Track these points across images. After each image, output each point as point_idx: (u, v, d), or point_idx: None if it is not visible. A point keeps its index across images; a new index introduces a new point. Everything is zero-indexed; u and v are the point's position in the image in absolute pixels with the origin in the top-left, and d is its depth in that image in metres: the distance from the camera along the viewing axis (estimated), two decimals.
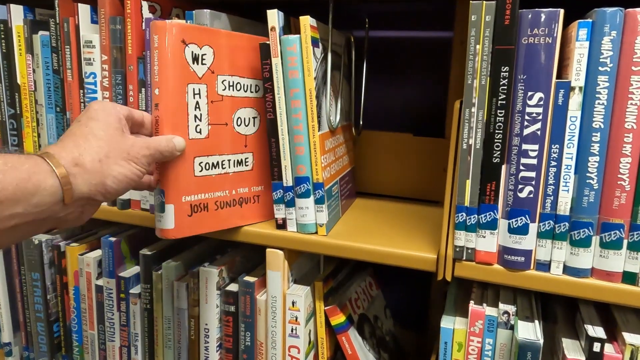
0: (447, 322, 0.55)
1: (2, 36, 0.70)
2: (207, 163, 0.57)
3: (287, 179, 0.59)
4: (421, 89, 0.79)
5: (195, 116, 0.55)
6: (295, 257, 0.64)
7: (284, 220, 0.60)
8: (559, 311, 0.58)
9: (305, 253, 0.66)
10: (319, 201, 0.58)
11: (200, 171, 0.56)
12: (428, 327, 0.82)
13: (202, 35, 0.54)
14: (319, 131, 0.57)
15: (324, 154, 0.60)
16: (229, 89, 0.59)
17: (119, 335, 0.73)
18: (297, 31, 0.62)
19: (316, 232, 0.59)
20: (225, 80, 0.58)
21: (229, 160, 0.60)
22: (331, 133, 0.64)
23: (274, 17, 0.55)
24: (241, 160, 0.61)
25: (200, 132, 0.56)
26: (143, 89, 0.63)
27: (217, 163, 0.58)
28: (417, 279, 0.86)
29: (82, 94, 0.67)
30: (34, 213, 0.38)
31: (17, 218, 0.37)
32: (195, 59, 0.54)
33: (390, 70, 0.81)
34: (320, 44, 0.60)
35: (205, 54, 0.55)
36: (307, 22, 0.55)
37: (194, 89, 0.55)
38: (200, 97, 0.55)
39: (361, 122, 0.76)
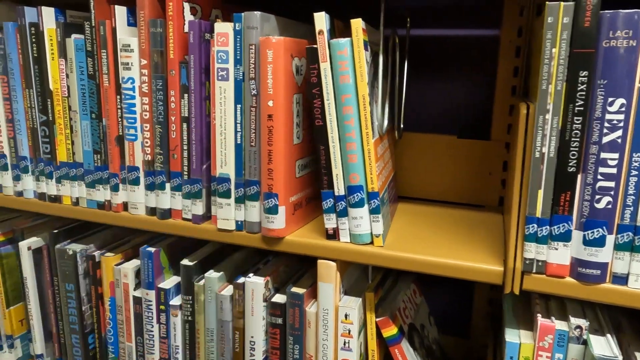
0: (512, 336, 0.53)
1: (34, 40, 0.67)
2: (302, 164, 0.61)
3: (339, 188, 0.56)
4: (465, 89, 0.76)
5: (296, 123, 0.59)
6: (345, 267, 0.62)
7: (335, 230, 0.58)
8: (624, 322, 0.56)
9: (353, 264, 0.64)
10: (374, 211, 0.56)
11: (299, 172, 0.61)
12: (471, 333, 0.80)
13: (299, 47, 0.58)
14: (372, 138, 0.55)
15: (377, 161, 0.57)
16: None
17: (159, 347, 0.71)
18: (340, 33, 0.60)
19: (371, 243, 0.57)
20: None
21: (311, 160, 0.64)
22: (380, 139, 0.62)
23: (322, 20, 0.53)
24: (315, 159, 0.66)
25: (299, 138, 0.60)
26: (185, 95, 0.60)
27: (306, 164, 0.63)
28: (460, 286, 0.84)
29: (119, 100, 0.65)
30: None
31: None
32: (297, 70, 0.57)
33: (433, 70, 0.78)
34: (369, 47, 0.57)
35: (302, 65, 0.59)
36: (358, 25, 0.52)
37: (296, 98, 0.58)
38: (299, 105, 0.59)
39: (402, 125, 0.73)
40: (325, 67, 0.53)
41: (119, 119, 0.65)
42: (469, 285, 0.81)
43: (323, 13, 0.52)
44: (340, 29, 0.61)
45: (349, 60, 0.53)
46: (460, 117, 0.77)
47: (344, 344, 0.60)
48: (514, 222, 0.49)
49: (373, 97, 0.59)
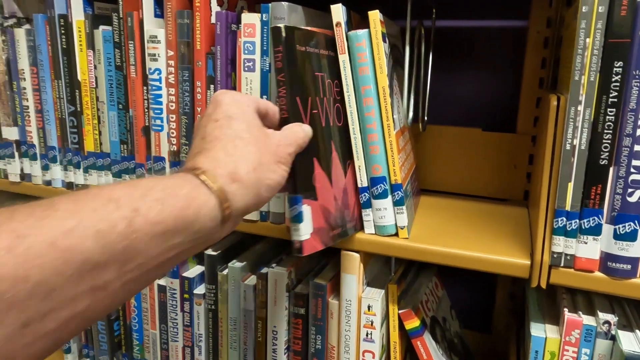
0: (538, 330, 0.52)
1: (63, 31, 0.69)
2: None
3: (362, 180, 0.56)
4: (491, 81, 0.75)
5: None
6: (368, 259, 0.62)
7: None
8: None
9: (376, 256, 0.64)
10: (398, 203, 0.56)
11: None
12: (492, 328, 0.80)
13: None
14: (394, 129, 0.55)
15: (400, 152, 0.57)
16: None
17: (182, 335, 0.72)
18: (357, 25, 0.59)
19: (396, 234, 0.57)
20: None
21: None
22: (402, 131, 0.62)
23: (339, 12, 0.53)
24: None
25: None
26: (212, 86, 0.61)
27: None
28: (481, 279, 0.83)
29: (145, 91, 0.65)
30: (193, 240, 0.34)
31: (176, 248, 0.33)
32: None
33: (459, 62, 0.77)
34: (387, 39, 0.57)
35: None
36: (376, 16, 0.52)
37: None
38: None
39: (426, 117, 0.73)
40: (344, 59, 0.53)
41: (146, 110, 0.66)
42: (491, 280, 0.80)
43: (339, 5, 0.52)
44: (356, 21, 0.60)
45: (368, 51, 0.53)
46: (486, 109, 0.77)
47: (367, 335, 0.60)
48: (542, 215, 0.49)
49: (393, 88, 0.58)
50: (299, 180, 0.48)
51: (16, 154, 0.78)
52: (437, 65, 0.78)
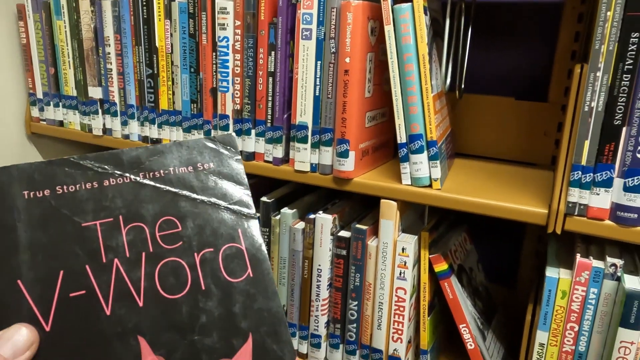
0: (552, 272, 0.60)
1: (144, 3, 0.79)
2: (370, 116, 0.69)
3: (401, 137, 0.64)
4: (526, 53, 0.81)
5: (368, 79, 0.66)
6: (405, 208, 0.70)
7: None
8: None
9: (411, 206, 0.73)
10: (433, 157, 0.63)
11: (368, 123, 0.69)
12: (517, 282, 0.87)
13: (375, 10, 0.65)
14: (431, 93, 0.62)
15: (436, 114, 0.64)
16: (382, 55, 0.69)
17: None
18: None
19: (430, 186, 0.65)
20: (382, 45, 0.68)
21: (378, 113, 0.72)
22: (439, 95, 0.69)
23: None
24: (384, 112, 0.74)
25: (369, 92, 0.67)
26: (273, 52, 0.70)
27: (376, 115, 0.71)
28: (508, 237, 0.90)
29: (214, 57, 0.75)
30: None
31: None
32: (372, 31, 0.65)
33: (496, 35, 0.83)
34: (428, 12, 0.64)
35: (376, 27, 0.66)
36: None
37: (369, 56, 0.65)
38: (372, 63, 0.66)
39: (463, 86, 0.79)
40: (389, 29, 0.61)
41: (214, 73, 0.76)
42: (518, 237, 0.87)
43: None
44: None
45: (410, 23, 0.60)
46: (520, 80, 0.82)
47: (400, 274, 0.69)
48: (561, 169, 0.56)
49: (432, 57, 0.65)
50: None
51: (100, 110, 0.90)
52: (476, 38, 0.84)
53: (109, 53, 0.86)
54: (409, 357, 0.74)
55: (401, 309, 0.70)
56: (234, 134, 0.69)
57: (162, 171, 0.31)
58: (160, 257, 0.30)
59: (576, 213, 0.56)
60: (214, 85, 0.76)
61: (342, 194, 0.82)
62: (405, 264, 0.68)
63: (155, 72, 0.82)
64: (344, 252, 0.73)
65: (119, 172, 0.30)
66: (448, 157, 0.74)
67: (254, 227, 0.33)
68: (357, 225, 0.71)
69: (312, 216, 0.74)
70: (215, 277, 0.30)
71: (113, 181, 0.30)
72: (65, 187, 0.29)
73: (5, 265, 0.27)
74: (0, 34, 0.96)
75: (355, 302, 0.73)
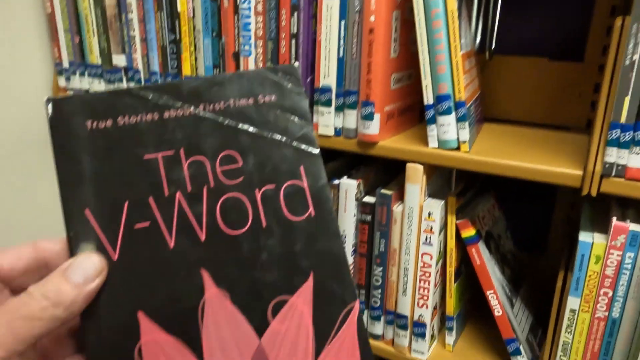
0: (585, 237, 0.58)
1: None
2: (396, 78, 0.67)
3: (428, 98, 0.62)
4: (561, 11, 0.77)
5: (394, 38, 0.64)
6: (431, 173, 0.68)
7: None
8: None
9: (438, 171, 0.71)
10: (461, 119, 0.61)
11: (393, 85, 0.67)
12: (548, 251, 0.85)
13: None
14: (460, 51, 0.60)
15: (465, 74, 0.62)
16: (408, 13, 0.66)
17: None
18: None
19: (458, 148, 0.63)
20: (408, 4, 0.65)
21: (404, 75, 0.70)
22: (467, 55, 0.66)
23: None
24: (410, 74, 0.71)
25: (395, 52, 0.65)
26: (295, 13, 0.68)
27: (402, 77, 0.69)
28: (539, 204, 0.87)
29: (236, 19, 0.74)
30: None
31: None
32: None
33: None
34: None
35: None
36: None
37: (395, 14, 0.63)
38: (397, 21, 0.64)
39: (493, 46, 0.76)
40: None
41: (236, 37, 0.75)
42: (549, 204, 0.84)
43: None
44: None
45: None
46: (554, 39, 0.78)
47: (426, 239, 0.68)
48: (598, 128, 0.53)
49: (462, 14, 0.62)
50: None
51: (124, 78, 0.90)
52: None
53: (132, 19, 0.85)
54: (434, 323, 0.74)
55: (427, 274, 0.69)
56: (297, 63, 0.68)
57: (222, 103, 0.30)
58: (221, 192, 0.29)
59: (613, 174, 0.53)
60: (236, 50, 0.75)
61: (367, 161, 0.80)
62: (431, 229, 0.67)
63: (178, 37, 0.81)
64: (368, 218, 0.72)
65: (179, 104, 0.30)
66: (476, 121, 0.72)
67: (318, 164, 0.32)
68: (382, 191, 0.70)
69: (336, 182, 0.73)
70: (276, 215, 0.30)
71: (173, 113, 0.29)
72: (127, 117, 0.28)
73: (73, 194, 0.27)
74: (26, 4, 0.96)
75: (380, 268, 0.73)
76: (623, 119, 0.51)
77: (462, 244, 0.69)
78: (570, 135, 0.72)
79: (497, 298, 0.68)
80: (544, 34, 0.79)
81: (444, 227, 0.70)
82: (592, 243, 0.57)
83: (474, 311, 0.82)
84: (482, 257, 0.68)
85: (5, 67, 0.95)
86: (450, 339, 0.74)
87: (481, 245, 0.69)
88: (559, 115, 0.77)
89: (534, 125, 0.78)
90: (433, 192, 0.71)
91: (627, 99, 0.50)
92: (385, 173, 0.81)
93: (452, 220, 0.68)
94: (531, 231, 0.88)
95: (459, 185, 0.75)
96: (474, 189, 0.78)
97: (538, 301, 0.81)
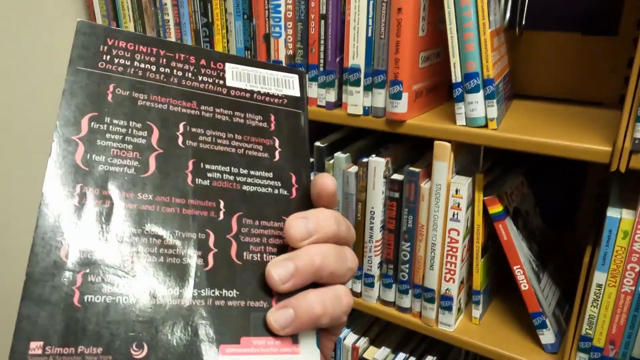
0: (614, 213, 0.58)
1: None
2: (424, 57, 0.68)
3: (456, 76, 0.63)
4: None
5: (422, 17, 0.65)
6: (459, 150, 0.69)
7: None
8: None
9: (466, 149, 0.72)
10: (489, 96, 0.62)
11: (422, 64, 0.68)
12: (576, 227, 0.85)
13: None
14: (489, 28, 0.60)
15: (493, 51, 0.62)
16: None
17: None
18: None
19: (485, 126, 0.63)
20: None
21: (432, 54, 0.70)
22: (497, 31, 0.66)
23: None
24: (438, 52, 0.72)
25: (424, 31, 0.66)
26: None
27: (430, 56, 0.70)
28: (568, 181, 0.87)
29: (266, 2, 0.76)
30: None
31: None
32: None
33: None
34: None
35: None
36: None
37: None
38: (426, 0, 0.64)
39: (524, 22, 0.75)
40: None
41: (267, 19, 0.76)
42: (578, 181, 0.84)
43: None
44: None
45: None
46: (587, 12, 0.77)
47: (453, 215, 0.69)
48: (629, 102, 0.53)
49: None
50: None
51: None
52: None
53: (166, 4, 0.88)
54: (461, 296, 0.75)
55: (454, 249, 0.70)
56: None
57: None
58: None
59: None
60: (267, 31, 0.77)
61: (395, 139, 0.82)
62: (458, 206, 0.68)
63: (210, 20, 0.83)
64: (396, 195, 0.74)
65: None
66: (506, 98, 0.72)
67: None
68: (411, 168, 0.72)
69: (365, 159, 0.75)
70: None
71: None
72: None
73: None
74: None
75: (408, 244, 0.75)
76: None
77: (490, 220, 0.70)
78: (602, 112, 0.71)
79: (524, 273, 0.69)
80: (576, 8, 0.78)
81: (472, 203, 0.71)
82: (620, 219, 0.57)
83: (501, 286, 0.84)
84: (509, 233, 0.69)
85: (45, 55, 1.00)
86: (477, 312, 0.76)
87: (508, 222, 0.70)
88: (592, 91, 0.76)
89: (566, 102, 0.77)
90: (461, 169, 0.72)
91: None
92: (413, 151, 0.82)
93: (479, 197, 0.69)
94: (560, 208, 0.88)
95: (487, 162, 0.75)
96: (503, 165, 0.79)
97: (566, 276, 0.82)
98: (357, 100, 0.71)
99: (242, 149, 0.30)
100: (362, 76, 0.69)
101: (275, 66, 0.33)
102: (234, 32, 0.81)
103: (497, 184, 0.74)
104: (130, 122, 0.27)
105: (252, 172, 0.30)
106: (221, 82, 0.31)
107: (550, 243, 0.84)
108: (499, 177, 0.76)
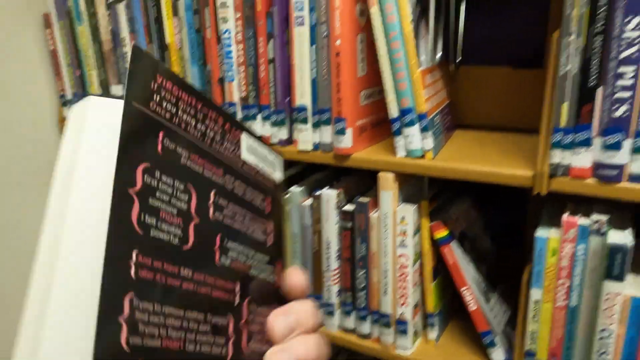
0: (542, 232, 0.62)
1: (154, 3, 0.85)
2: (366, 94, 0.73)
3: (393, 112, 0.68)
4: (522, 21, 0.82)
5: (361, 58, 0.70)
6: (403, 180, 0.74)
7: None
8: None
9: (411, 178, 0.76)
10: (424, 129, 0.67)
11: (363, 101, 0.73)
12: (523, 245, 0.89)
13: None
14: (418, 68, 0.65)
15: (425, 88, 0.68)
16: (373, 35, 0.71)
17: None
18: None
19: (423, 157, 0.68)
20: (378, 26, 0.69)
21: (374, 91, 0.75)
22: (430, 69, 0.72)
23: None
24: (380, 90, 0.76)
25: (363, 71, 0.71)
26: (271, 40, 0.74)
27: (372, 93, 0.75)
28: (515, 203, 0.92)
29: (219, 48, 0.80)
30: None
31: None
32: (360, 12, 0.68)
33: (490, 5, 0.84)
34: None
35: (364, 8, 0.69)
36: None
37: (360, 37, 0.69)
38: (363, 43, 0.70)
39: (459, 58, 0.81)
40: (374, 10, 0.64)
41: (220, 64, 0.81)
42: (523, 204, 0.89)
43: None
44: None
45: (393, 2, 0.63)
46: (516, 48, 0.83)
47: (401, 242, 0.73)
48: (544, 132, 0.58)
49: (420, 33, 0.68)
50: None
51: None
52: (473, 9, 0.85)
53: (126, 52, 0.92)
54: (416, 319, 0.78)
55: (404, 275, 0.74)
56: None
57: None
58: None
59: (559, 173, 0.58)
60: (221, 76, 0.82)
61: (349, 171, 0.86)
62: (405, 233, 0.72)
63: (169, 66, 0.88)
64: (349, 225, 0.78)
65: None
66: (445, 129, 0.77)
67: None
68: (360, 199, 0.76)
69: (318, 192, 0.79)
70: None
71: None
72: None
73: None
74: (31, 42, 1.04)
75: (363, 271, 0.78)
76: (563, 124, 0.56)
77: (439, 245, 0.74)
78: (533, 138, 0.77)
79: (472, 294, 0.73)
80: (507, 45, 0.84)
81: (419, 230, 0.75)
82: (548, 238, 0.61)
83: (459, 307, 0.87)
84: (455, 256, 0.73)
85: (14, 101, 1.03)
86: (432, 334, 0.79)
87: (454, 245, 0.74)
88: (525, 119, 0.82)
89: (504, 130, 0.83)
90: (407, 197, 0.76)
91: (565, 105, 0.56)
92: (367, 181, 0.87)
93: (425, 223, 0.74)
94: (508, 229, 0.92)
95: (433, 189, 0.80)
96: (450, 191, 0.83)
97: (516, 295, 0.85)
98: (306, 137, 0.75)
99: (251, 230, 0.28)
100: (309, 114, 0.74)
101: (263, 142, 0.32)
102: (191, 77, 0.85)
103: (443, 210, 0.78)
104: (175, 182, 0.24)
105: (255, 255, 0.28)
106: (238, 152, 0.29)
107: (501, 263, 0.88)
108: (446, 203, 0.80)
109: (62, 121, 1.09)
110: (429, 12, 0.74)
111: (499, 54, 0.83)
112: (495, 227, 0.92)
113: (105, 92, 0.99)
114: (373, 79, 0.75)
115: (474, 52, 0.86)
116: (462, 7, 0.79)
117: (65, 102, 1.08)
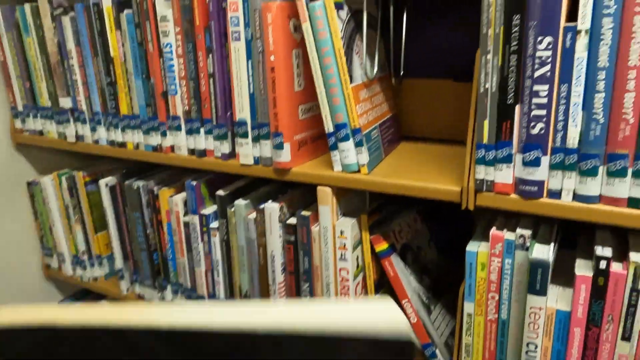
0: (472, 247, 0.63)
1: (97, 17, 0.84)
2: (305, 109, 0.73)
3: (329, 126, 0.68)
4: (461, 34, 0.83)
5: (297, 74, 0.70)
6: (342, 194, 0.74)
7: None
8: (582, 240, 0.64)
9: (352, 191, 0.76)
10: (358, 144, 0.67)
11: (302, 115, 0.73)
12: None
13: (294, 9, 0.68)
14: (351, 83, 0.66)
15: (359, 103, 0.68)
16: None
17: (204, 261, 0.89)
18: None
19: (359, 171, 0.68)
20: (310, 42, 0.69)
21: (314, 105, 0.76)
22: (366, 84, 0.72)
23: None
24: (318, 104, 0.76)
25: (300, 86, 0.71)
26: (210, 55, 0.74)
27: (312, 107, 0.75)
28: (462, 216, 0.93)
29: (161, 62, 0.80)
30: None
31: None
32: (295, 28, 0.68)
33: (430, 18, 0.85)
34: (344, 6, 0.67)
35: (298, 24, 0.69)
36: None
37: (295, 52, 0.69)
38: (299, 58, 0.70)
39: (402, 72, 0.82)
40: (306, 26, 0.64)
41: (163, 78, 0.81)
42: (469, 217, 0.90)
43: None
44: None
45: (324, 19, 0.63)
46: (458, 61, 0.84)
47: (341, 256, 0.73)
48: (468, 148, 0.59)
49: (355, 49, 0.69)
50: None
51: (71, 119, 0.96)
52: (414, 22, 0.86)
53: (73, 65, 0.91)
54: None
55: (346, 288, 0.74)
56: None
57: None
58: None
59: (484, 189, 0.59)
60: (164, 89, 0.81)
61: (295, 184, 0.86)
62: (344, 246, 0.72)
63: (114, 80, 0.87)
64: (292, 238, 0.78)
65: None
66: (387, 142, 0.77)
67: None
68: (302, 213, 0.76)
69: (261, 206, 0.79)
70: None
71: None
72: None
73: None
74: None
75: (307, 284, 0.78)
76: (485, 140, 0.57)
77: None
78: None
79: (412, 306, 0.73)
80: (448, 58, 0.85)
81: (360, 243, 0.75)
82: (477, 252, 0.62)
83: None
84: (395, 268, 0.73)
85: None
86: None
87: (394, 258, 0.74)
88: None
89: (447, 142, 0.84)
90: (348, 211, 0.76)
91: (486, 122, 0.56)
92: (312, 196, 0.87)
93: (366, 236, 0.74)
94: (455, 240, 0.93)
95: (375, 202, 0.80)
96: (394, 205, 0.84)
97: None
98: (247, 151, 0.75)
99: None
100: (249, 129, 0.74)
101: None
102: (135, 90, 0.85)
103: (384, 223, 0.78)
104: None
105: None
106: None
107: (448, 275, 0.88)
108: (388, 216, 0.81)
109: (14, 132, 1.08)
110: (373, 27, 0.74)
111: (441, 66, 0.84)
112: (443, 240, 0.93)
113: (55, 104, 0.98)
114: (311, 93, 0.75)
115: (417, 65, 0.86)
116: (404, 21, 0.79)
117: (16, 114, 1.06)
